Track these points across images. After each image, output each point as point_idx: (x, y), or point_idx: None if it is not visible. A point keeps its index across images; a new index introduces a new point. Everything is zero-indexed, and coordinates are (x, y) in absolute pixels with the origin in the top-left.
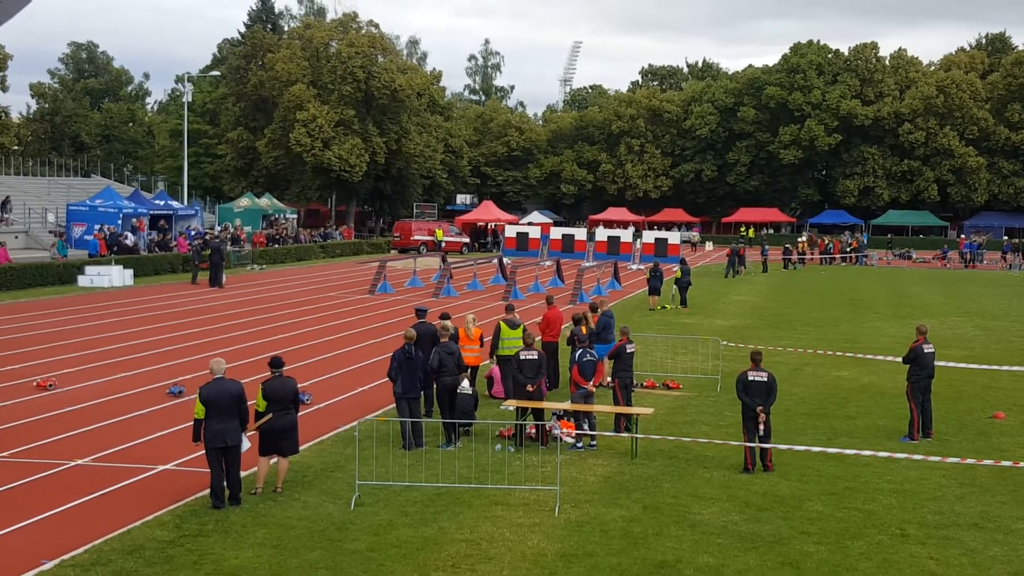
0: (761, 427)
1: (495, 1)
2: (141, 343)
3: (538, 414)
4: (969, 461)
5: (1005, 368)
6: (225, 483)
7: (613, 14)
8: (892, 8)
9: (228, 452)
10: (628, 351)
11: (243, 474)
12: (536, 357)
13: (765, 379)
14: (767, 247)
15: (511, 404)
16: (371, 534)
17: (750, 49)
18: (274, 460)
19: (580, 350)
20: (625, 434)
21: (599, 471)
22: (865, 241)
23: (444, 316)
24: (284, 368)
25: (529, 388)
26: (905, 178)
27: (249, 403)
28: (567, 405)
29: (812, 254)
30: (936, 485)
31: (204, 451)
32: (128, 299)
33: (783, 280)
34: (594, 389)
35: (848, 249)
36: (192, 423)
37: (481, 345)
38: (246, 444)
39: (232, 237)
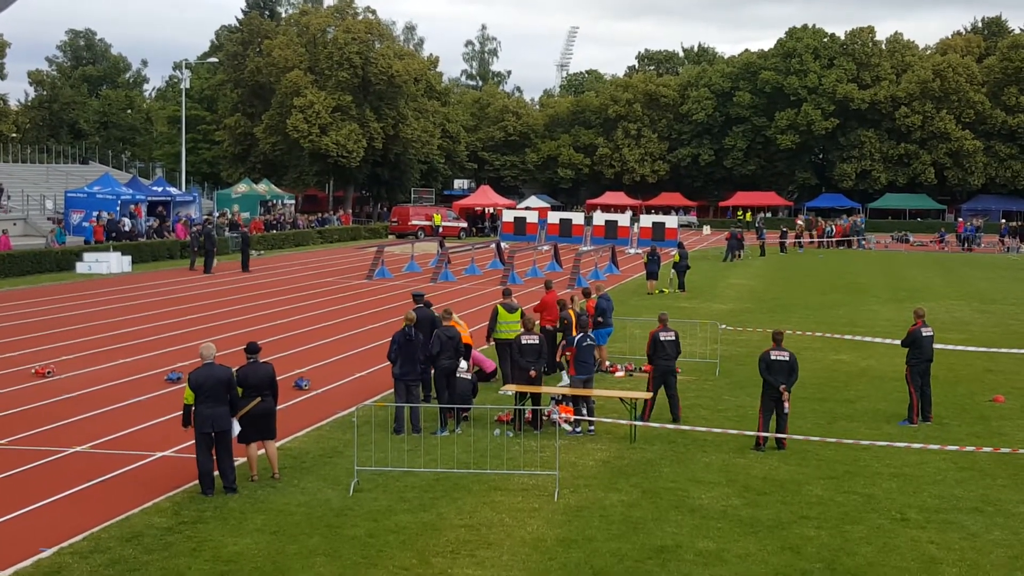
0: (786, 405)
1: None
2: (139, 330)
3: (536, 399)
4: (969, 449)
5: (1004, 351)
6: (217, 471)
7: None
8: None
9: (219, 438)
10: (661, 339)
11: (237, 462)
12: (537, 341)
13: (787, 358)
14: (764, 231)
15: (510, 388)
16: (370, 520)
17: (752, 34)
18: (261, 451)
19: (580, 335)
20: (639, 422)
21: (598, 456)
22: (863, 224)
23: (417, 296)
24: (261, 354)
25: (532, 373)
26: (902, 161)
27: None
28: (566, 390)
29: (810, 237)
30: (936, 469)
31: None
32: (126, 285)
33: (781, 264)
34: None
35: (836, 234)
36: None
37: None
38: (236, 429)
39: (230, 223)
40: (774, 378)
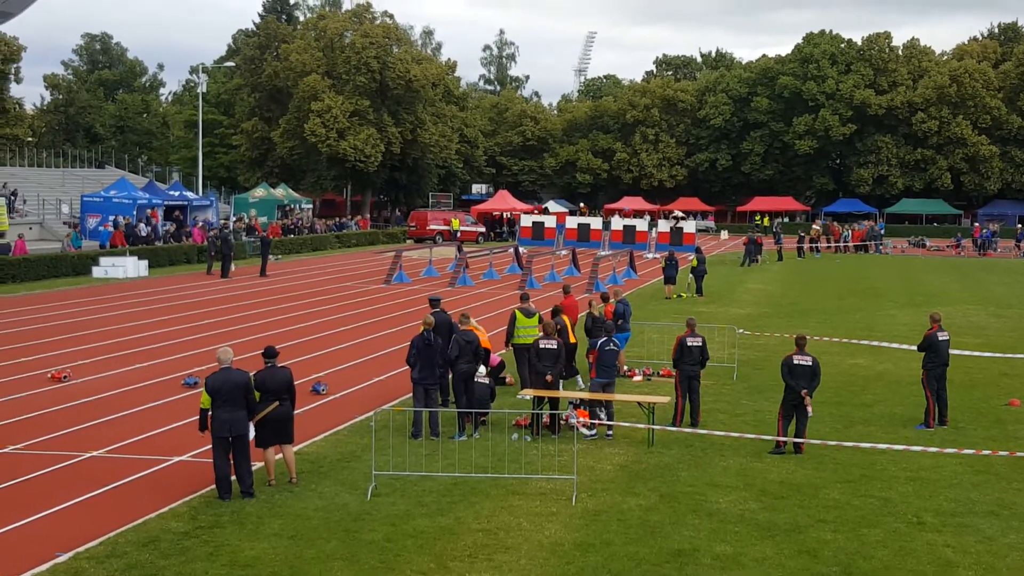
0: (809, 409)
1: None
2: (156, 334)
3: (554, 403)
4: (985, 452)
5: (1019, 356)
6: (234, 476)
7: (630, 4)
8: None
9: (235, 442)
10: (689, 344)
11: (255, 467)
12: (555, 346)
13: (810, 363)
14: (781, 236)
15: (528, 393)
16: (388, 524)
17: (769, 39)
18: (279, 455)
19: (604, 338)
20: (683, 428)
21: (616, 460)
22: (881, 229)
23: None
24: (278, 358)
25: (548, 378)
26: (919, 167)
27: None
28: (585, 394)
29: (827, 242)
30: (952, 473)
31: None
32: (143, 290)
33: (798, 269)
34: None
35: (854, 238)
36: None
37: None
38: (252, 433)
39: (247, 227)
40: (796, 382)
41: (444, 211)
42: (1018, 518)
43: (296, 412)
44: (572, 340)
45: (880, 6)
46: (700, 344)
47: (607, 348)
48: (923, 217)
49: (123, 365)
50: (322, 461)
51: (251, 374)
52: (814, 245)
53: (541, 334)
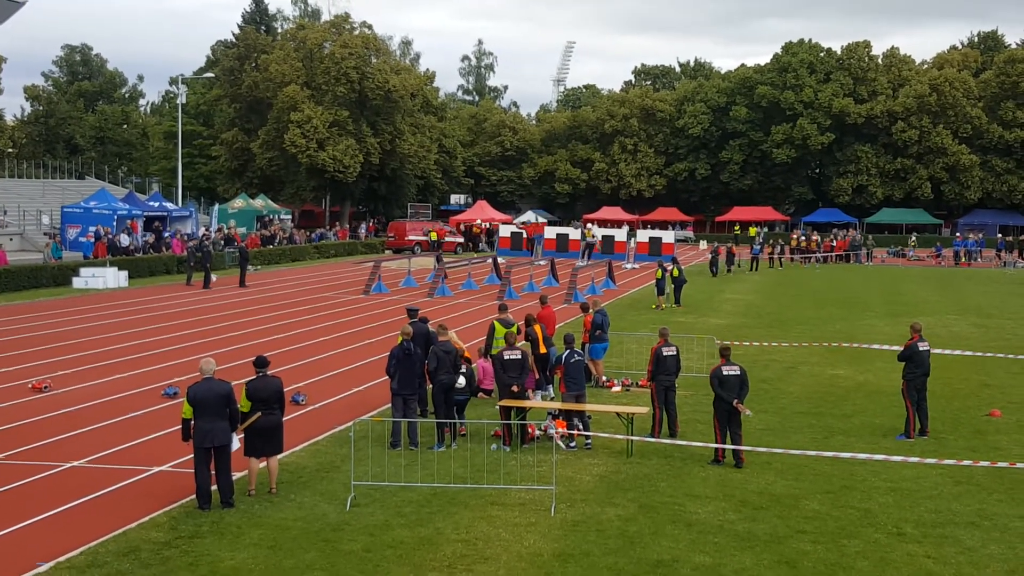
0: (748, 412)
1: (493, 2)
2: (136, 345)
3: (522, 413)
4: (965, 463)
5: (1000, 355)
6: (215, 486)
7: (613, 14)
8: (892, 7)
9: (218, 453)
10: (664, 354)
11: (235, 476)
12: (520, 356)
13: (738, 372)
14: (756, 246)
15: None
16: (367, 535)
17: (755, 49)
18: (263, 464)
19: (567, 351)
20: (661, 439)
21: (595, 470)
22: (860, 238)
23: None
24: (269, 367)
25: (514, 388)
26: (899, 176)
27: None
28: (561, 404)
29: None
30: (932, 483)
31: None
32: (123, 301)
33: (777, 279)
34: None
35: (837, 248)
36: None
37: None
38: (235, 444)
39: (225, 238)
40: (727, 393)
41: (423, 221)
42: (999, 529)
43: None
44: (542, 350)
45: (866, 15)
46: (674, 353)
47: (572, 361)
48: (903, 227)
49: (104, 375)
50: (301, 471)
51: (242, 383)
52: (796, 256)
53: (504, 345)
